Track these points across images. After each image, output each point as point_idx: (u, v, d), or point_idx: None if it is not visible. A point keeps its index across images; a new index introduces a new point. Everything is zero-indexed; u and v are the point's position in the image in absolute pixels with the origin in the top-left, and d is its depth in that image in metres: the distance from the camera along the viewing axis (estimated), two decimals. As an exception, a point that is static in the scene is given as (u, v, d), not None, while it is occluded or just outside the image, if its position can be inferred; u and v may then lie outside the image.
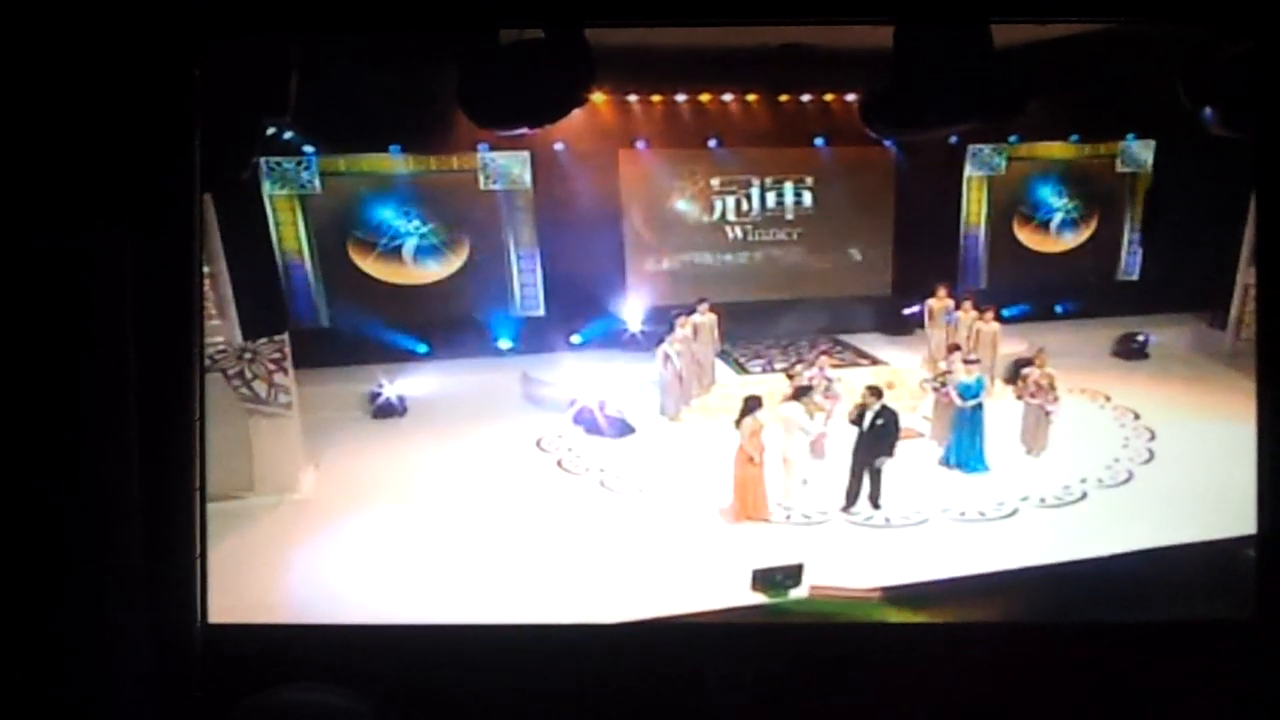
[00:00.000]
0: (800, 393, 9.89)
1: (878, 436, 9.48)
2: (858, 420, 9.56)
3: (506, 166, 13.34)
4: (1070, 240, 15.18)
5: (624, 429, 11.41)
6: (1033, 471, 10.21)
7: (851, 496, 9.47)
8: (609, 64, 6.45)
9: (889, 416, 9.53)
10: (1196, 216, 11.62)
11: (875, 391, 9.66)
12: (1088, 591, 7.73)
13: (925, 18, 5.64)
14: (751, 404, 9.31)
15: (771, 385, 11.16)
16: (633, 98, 13.45)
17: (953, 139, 14.36)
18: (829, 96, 13.82)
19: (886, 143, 13.51)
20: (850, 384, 10.71)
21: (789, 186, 14.29)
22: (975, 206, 14.93)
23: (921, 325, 13.15)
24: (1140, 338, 13.96)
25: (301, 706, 4.68)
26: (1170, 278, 13.94)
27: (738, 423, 9.32)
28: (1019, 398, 10.88)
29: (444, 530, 8.93)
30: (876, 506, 9.40)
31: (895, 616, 7.39)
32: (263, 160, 12.06)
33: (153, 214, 4.87)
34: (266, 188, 12.36)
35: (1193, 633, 5.41)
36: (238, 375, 9.69)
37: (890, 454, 9.51)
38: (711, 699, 5.31)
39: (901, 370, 12.42)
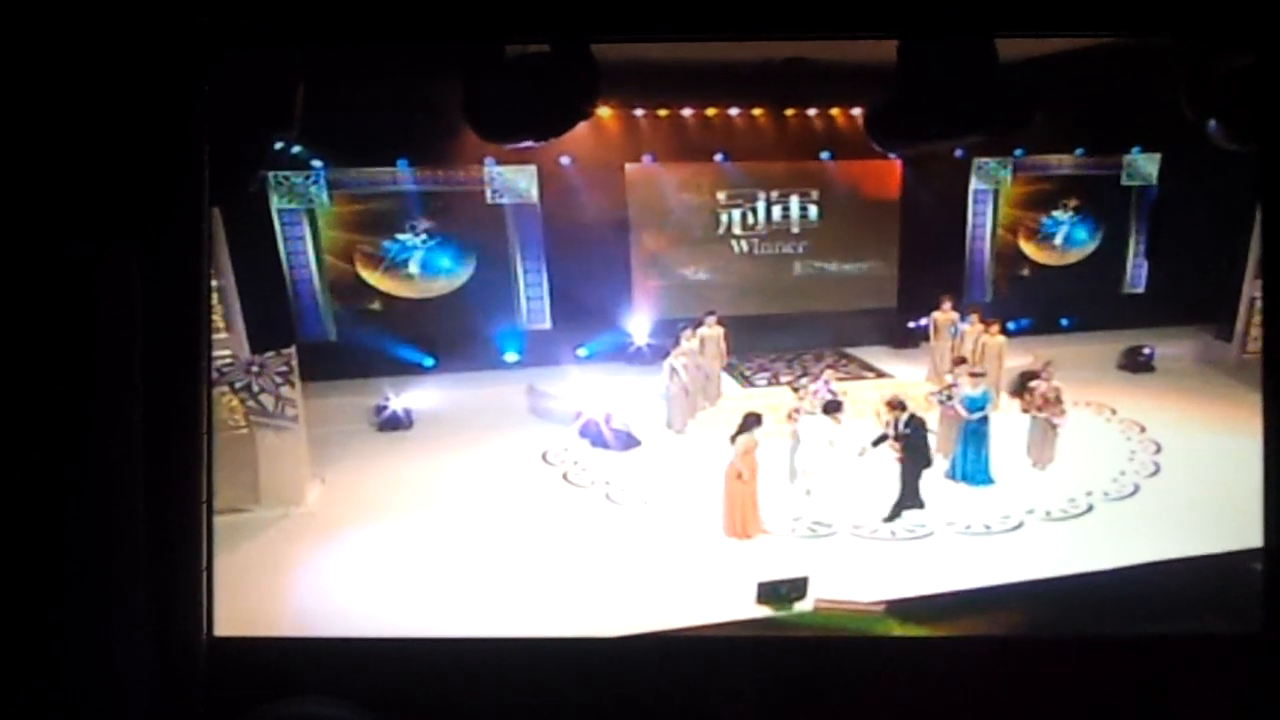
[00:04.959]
0: (830, 408, 9.92)
1: (913, 448, 9.55)
2: (897, 437, 9.59)
3: (513, 180, 13.36)
4: (1076, 253, 15.17)
5: (630, 442, 11.41)
6: (1038, 484, 10.18)
7: (897, 509, 9.49)
8: (615, 78, 6.47)
9: (916, 426, 9.58)
10: (1202, 229, 11.59)
11: (897, 405, 9.68)
12: (1093, 605, 7.72)
13: (930, 32, 5.66)
14: (750, 421, 9.28)
15: (776, 399, 11.15)
16: (639, 112, 13.49)
17: (958, 152, 14.37)
18: (834, 110, 13.86)
19: (892, 156, 13.55)
20: (855, 397, 10.71)
21: (795, 200, 14.30)
22: (980, 220, 14.93)
23: (927, 338, 13.14)
24: (1146, 350, 13.95)
25: None
26: (1176, 290, 13.92)
27: (733, 438, 9.31)
28: (1025, 410, 10.86)
29: (449, 543, 8.94)
30: (889, 520, 9.41)
31: (900, 630, 7.37)
32: (270, 174, 12.13)
33: (161, 227, 4.88)
34: (274, 201, 12.44)
35: (1199, 646, 5.39)
36: (245, 388, 9.72)
37: (928, 463, 9.59)
38: (715, 713, 5.30)
39: (906, 383, 12.40)
